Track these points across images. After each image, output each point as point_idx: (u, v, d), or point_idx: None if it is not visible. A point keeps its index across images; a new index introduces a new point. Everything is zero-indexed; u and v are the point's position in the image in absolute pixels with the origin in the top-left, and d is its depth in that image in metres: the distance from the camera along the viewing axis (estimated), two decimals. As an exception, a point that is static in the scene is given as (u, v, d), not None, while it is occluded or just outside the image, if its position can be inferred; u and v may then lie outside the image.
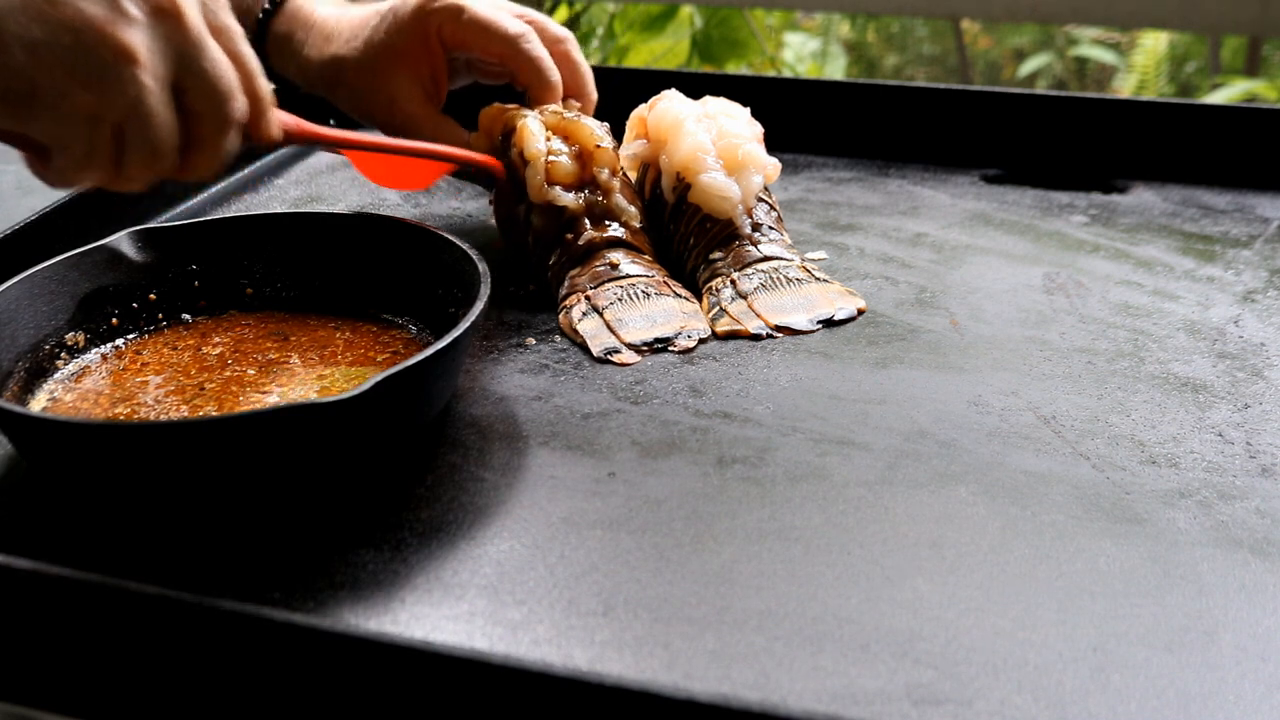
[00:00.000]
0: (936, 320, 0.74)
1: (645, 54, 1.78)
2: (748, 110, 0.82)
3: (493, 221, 0.84)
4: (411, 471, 0.60)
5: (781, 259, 0.76)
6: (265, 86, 0.62)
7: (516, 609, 0.52)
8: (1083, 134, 0.96)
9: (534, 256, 0.79)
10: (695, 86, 0.88)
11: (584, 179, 0.77)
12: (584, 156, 0.77)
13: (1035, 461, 0.60)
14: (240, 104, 0.59)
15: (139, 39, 0.55)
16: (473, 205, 0.92)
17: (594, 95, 0.84)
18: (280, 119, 0.65)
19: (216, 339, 0.70)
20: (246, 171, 0.98)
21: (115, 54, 0.54)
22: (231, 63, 0.59)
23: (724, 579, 0.53)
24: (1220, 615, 0.51)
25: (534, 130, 0.77)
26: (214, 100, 0.58)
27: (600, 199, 0.77)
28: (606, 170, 0.77)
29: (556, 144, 0.77)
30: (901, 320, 0.74)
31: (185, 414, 0.62)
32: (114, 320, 0.69)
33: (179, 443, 0.55)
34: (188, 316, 0.71)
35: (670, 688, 0.43)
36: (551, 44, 0.82)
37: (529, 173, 0.77)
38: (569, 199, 0.76)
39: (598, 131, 0.78)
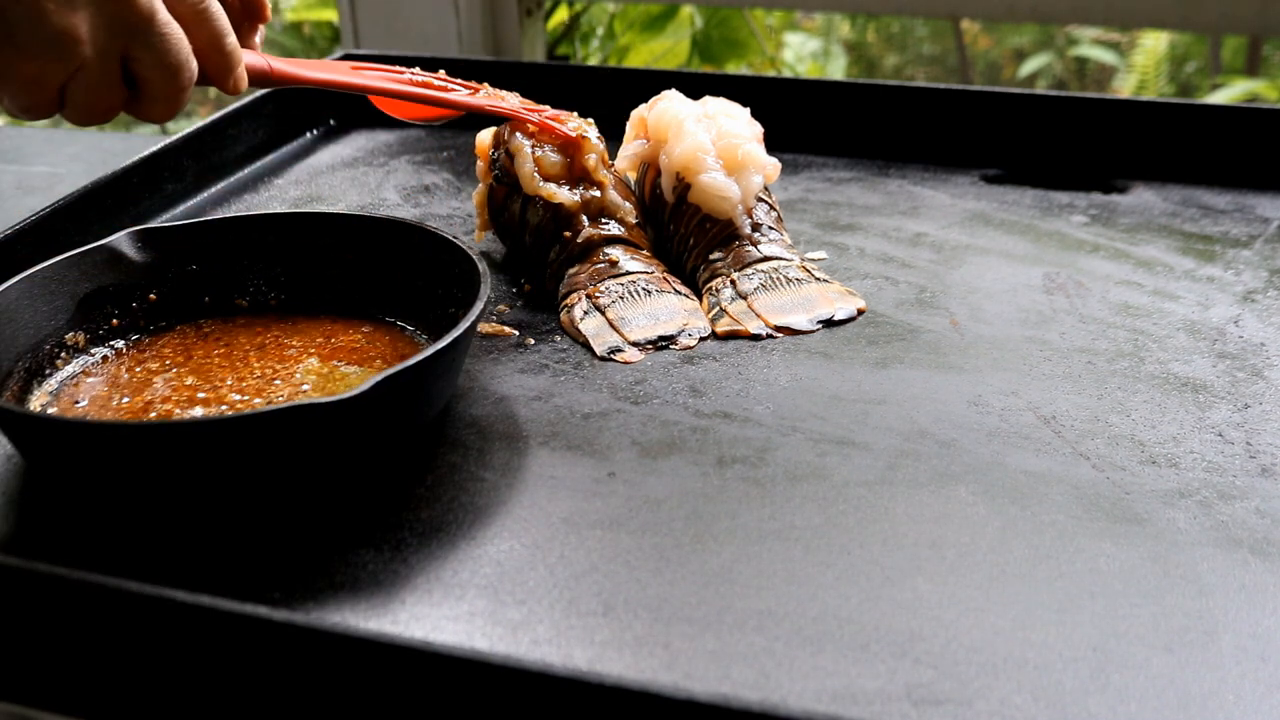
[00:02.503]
0: (936, 320, 0.74)
1: (645, 54, 1.78)
2: (748, 110, 0.82)
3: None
4: (411, 471, 0.60)
5: (781, 259, 0.76)
6: (232, 45, 0.67)
7: (516, 609, 0.52)
8: (1083, 134, 0.96)
9: (532, 255, 0.79)
10: (695, 86, 0.88)
11: (574, 173, 0.77)
12: (569, 148, 0.77)
13: (1035, 461, 0.60)
14: (190, 73, 0.65)
15: (82, 20, 0.60)
16: (473, 205, 0.92)
17: None
18: (248, 67, 0.70)
19: (216, 339, 0.70)
20: (246, 171, 0.99)
21: (59, 33, 0.60)
22: (195, 24, 0.65)
23: (724, 579, 0.53)
24: (1220, 615, 0.51)
25: (517, 130, 0.79)
26: (163, 71, 0.64)
27: (595, 194, 0.77)
28: (593, 155, 0.77)
29: (544, 140, 0.78)
30: (901, 320, 0.74)
31: (185, 414, 0.62)
32: (114, 320, 0.69)
33: (179, 443, 0.55)
34: (188, 316, 0.71)
35: (670, 688, 0.43)
36: None
37: (517, 163, 0.77)
38: (565, 196, 0.76)
39: (578, 122, 0.78)
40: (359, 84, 0.78)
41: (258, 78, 0.72)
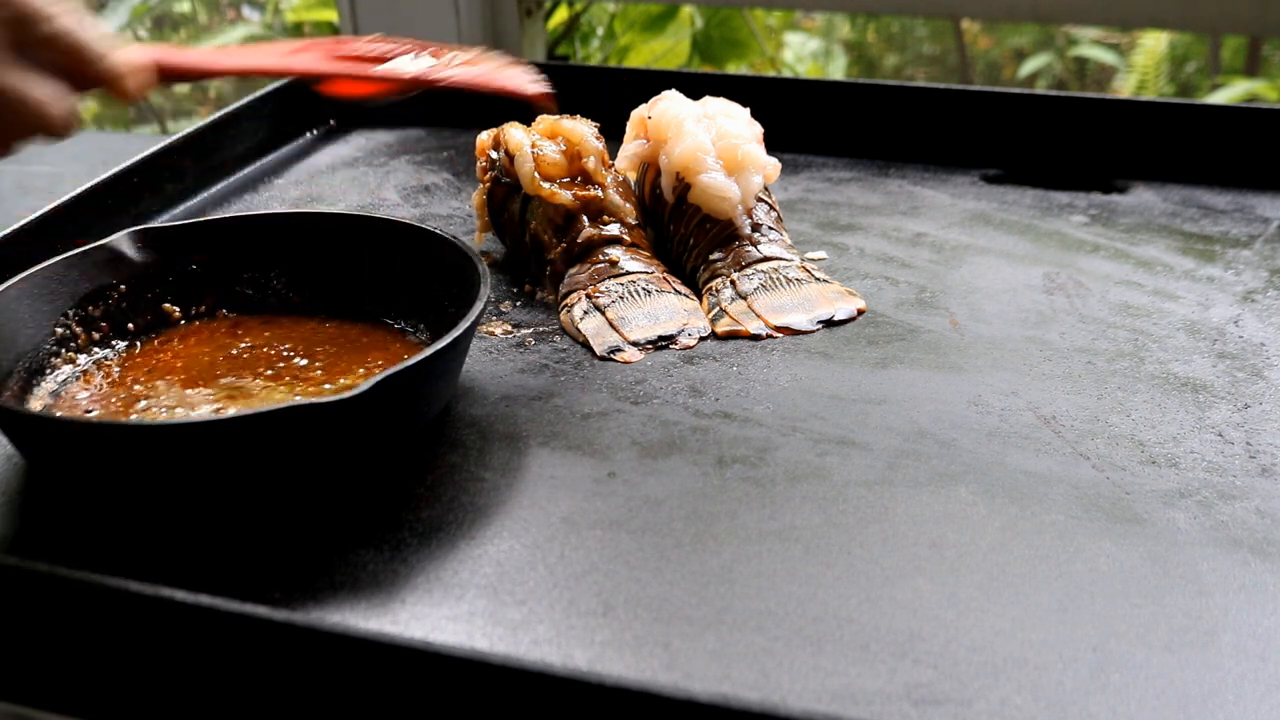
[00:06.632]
0: (936, 320, 0.74)
1: (645, 54, 1.78)
2: (748, 110, 0.82)
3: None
4: (411, 471, 0.60)
5: (781, 259, 0.76)
6: (98, 65, 0.60)
7: (516, 609, 0.52)
8: (1083, 134, 0.96)
9: (532, 256, 0.79)
10: (695, 86, 0.88)
11: (574, 173, 0.77)
12: (570, 146, 0.77)
13: (1035, 461, 0.60)
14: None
15: None
16: (473, 206, 0.92)
17: None
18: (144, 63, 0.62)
19: (216, 339, 0.70)
20: (246, 171, 0.99)
21: None
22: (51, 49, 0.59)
23: (724, 579, 0.53)
24: (1220, 615, 0.51)
25: (516, 129, 0.79)
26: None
27: (595, 194, 0.77)
28: (594, 158, 0.77)
29: (545, 141, 0.78)
30: (901, 320, 0.74)
31: (185, 414, 0.62)
32: (114, 320, 0.69)
33: (179, 443, 0.55)
34: (188, 317, 0.71)
35: (670, 688, 0.43)
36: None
37: (517, 163, 0.77)
38: (565, 196, 0.76)
39: (581, 128, 0.78)
40: (290, 68, 0.69)
41: (163, 75, 0.63)
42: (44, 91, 0.58)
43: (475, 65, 0.69)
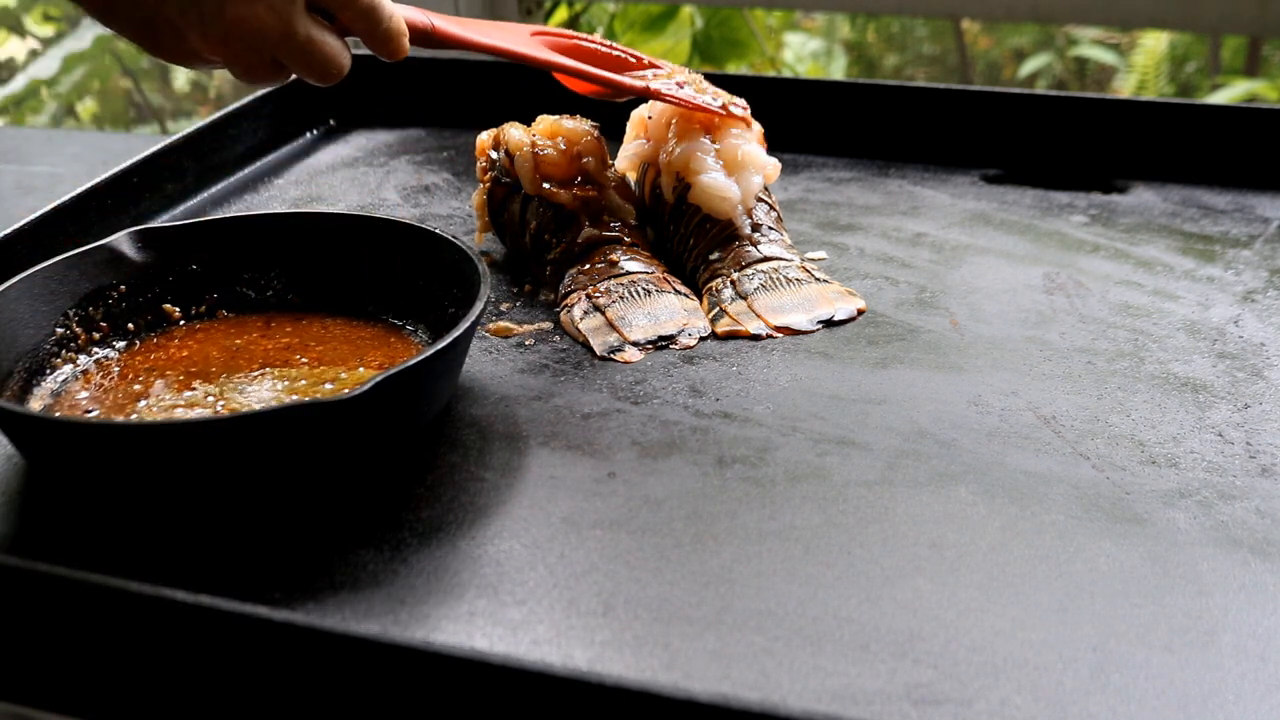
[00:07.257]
0: (936, 320, 0.74)
1: (645, 54, 1.78)
2: (748, 110, 0.82)
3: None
4: (411, 471, 0.60)
5: (781, 259, 0.76)
6: (385, 25, 0.65)
7: (516, 609, 0.52)
8: (1083, 134, 0.96)
9: (532, 256, 0.79)
10: (695, 86, 0.87)
11: (574, 173, 0.77)
12: (570, 146, 0.77)
13: (1035, 461, 0.60)
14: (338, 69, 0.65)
15: None
16: (473, 206, 0.92)
17: None
18: (409, 23, 0.67)
19: (216, 339, 0.70)
20: (246, 171, 0.99)
21: None
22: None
23: (724, 579, 0.53)
24: (1220, 615, 0.51)
25: (516, 129, 0.79)
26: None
27: (595, 194, 0.77)
28: (593, 158, 0.77)
29: (545, 141, 0.78)
30: (901, 320, 0.74)
31: (185, 414, 0.63)
32: (114, 320, 0.69)
33: (179, 443, 0.55)
34: (188, 316, 0.71)
35: (670, 688, 0.43)
36: None
37: (518, 163, 0.77)
38: (565, 196, 0.76)
39: (581, 128, 0.78)
40: (532, 55, 0.74)
41: (420, 38, 0.68)
42: (335, 42, 0.63)
43: (686, 87, 0.80)
